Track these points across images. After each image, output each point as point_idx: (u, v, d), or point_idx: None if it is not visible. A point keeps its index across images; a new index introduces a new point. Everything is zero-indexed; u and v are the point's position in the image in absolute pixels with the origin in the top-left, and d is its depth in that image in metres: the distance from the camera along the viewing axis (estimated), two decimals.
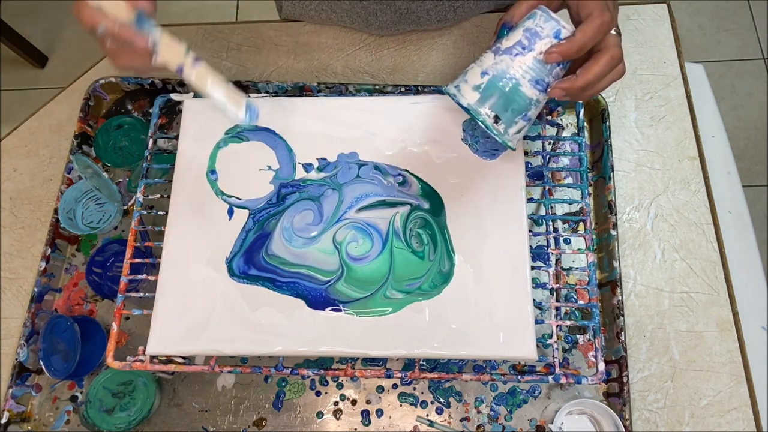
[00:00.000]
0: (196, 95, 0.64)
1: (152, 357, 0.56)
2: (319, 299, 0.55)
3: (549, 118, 0.74)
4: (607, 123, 0.71)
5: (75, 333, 0.64)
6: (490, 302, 0.54)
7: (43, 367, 0.65)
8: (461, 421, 0.64)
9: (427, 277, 0.55)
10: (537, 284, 0.63)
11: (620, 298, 0.64)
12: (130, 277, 0.58)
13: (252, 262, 0.57)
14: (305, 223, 0.58)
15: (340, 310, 0.55)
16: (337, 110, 0.62)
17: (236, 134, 0.62)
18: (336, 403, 0.65)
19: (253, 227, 0.58)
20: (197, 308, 0.56)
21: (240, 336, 0.54)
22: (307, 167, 0.60)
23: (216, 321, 0.55)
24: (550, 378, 0.54)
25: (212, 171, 0.61)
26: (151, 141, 0.63)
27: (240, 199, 0.59)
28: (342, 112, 0.62)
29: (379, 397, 0.65)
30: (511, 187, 0.58)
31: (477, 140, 0.60)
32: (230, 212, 0.59)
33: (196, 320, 0.55)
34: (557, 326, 0.56)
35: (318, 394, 0.65)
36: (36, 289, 0.69)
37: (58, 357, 0.65)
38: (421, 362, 0.61)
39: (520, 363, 0.64)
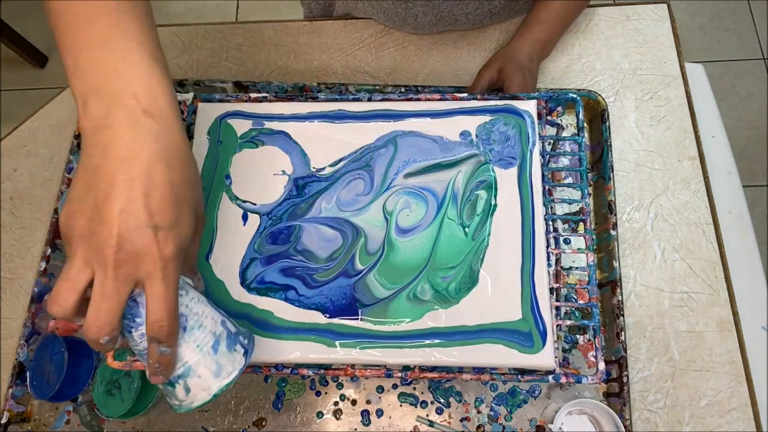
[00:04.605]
0: (198, 95, 0.64)
1: None
2: (341, 302, 0.55)
3: (549, 118, 0.74)
4: (607, 123, 0.71)
5: (63, 361, 0.63)
6: (506, 310, 0.54)
7: (28, 381, 0.64)
8: (461, 421, 0.64)
9: (461, 269, 0.55)
10: None
11: (620, 298, 0.64)
12: None
13: (272, 264, 0.56)
14: (354, 194, 0.58)
15: (357, 319, 0.54)
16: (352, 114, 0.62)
17: (251, 138, 0.61)
18: (336, 403, 0.65)
19: (268, 225, 0.58)
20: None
21: (256, 343, 0.53)
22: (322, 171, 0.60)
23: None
24: (550, 378, 0.54)
25: (227, 176, 0.60)
26: None
27: (254, 204, 0.59)
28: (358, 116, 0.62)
29: (379, 397, 0.65)
30: (533, 195, 0.58)
31: (492, 149, 0.59)
32: (244, 218, 0.58)
33: None
34: (557, 326, 0.56)
35: (318, 394, 0.65)
36: (36, 289, 0.69)
37: (44, 376, 0.65)
38: None
39: None
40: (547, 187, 0.62)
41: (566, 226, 0.71)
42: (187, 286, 0.43)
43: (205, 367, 0.41)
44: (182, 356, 0.41)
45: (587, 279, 0.58)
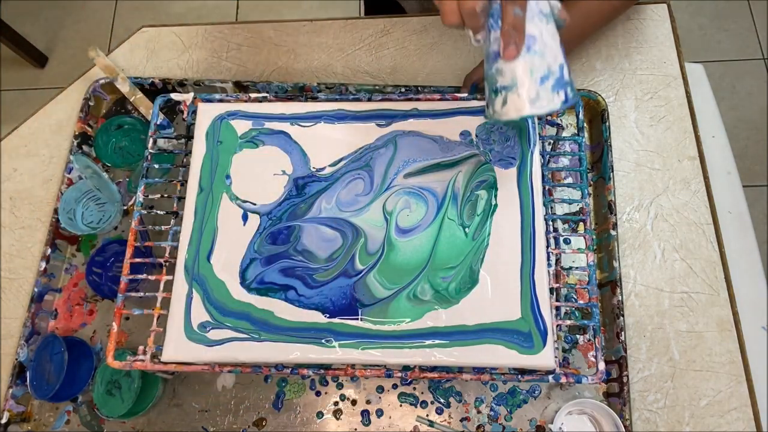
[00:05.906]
0: (198, 95, 0.64)
1: (153, 356, 0.55)
2: (341, 302, 0.55)
3: (549, 118, 0.74)
4: (607, 123, 0.71)
5: (63, 361, 0.63)
6: (506, 310, 0.54)
7: (28, 381, 0.64)
8: (461, 421, 0.64)
9: (461, 269, 0.55)
10: None
11: (620, 298, 0.64)
12: (130, 277, 0.58)
13: (272, 265, 0.56)
14: (354, 194, 0.58)
15: (357, 319, 0.54)
16: (353, 114, 0.62)
17: (251, 139, 0.61)
18: (336, 403, 0.65)
19: (268, 226, 0.58)
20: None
21: (256, 343, 0.54)
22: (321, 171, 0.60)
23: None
24: (550, 378, 0.54)
25: (227, 176, 0.60)
26: (151, 141, 0.63)
27: (254, 204, 0.59)
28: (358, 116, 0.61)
29: (379, 397, 0.65)
30: (534, 195, 0.57)
31: (492, 149, 0.59)
32: (244, 217, 0.58)
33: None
34: (557, 326, 0.56)
35: (318, 394, 0.66)
36: (36, 289, 0.69)
37: (44, 376, 0.65)
38: None
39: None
40: (547, 187, 0.62)
41: (566, 226, 0.71)
42: (550, 18, 0.48)
43: (527, 90, 0.47)
44: (515, 71, 0.47)
45: (587, 279, 0.58)
